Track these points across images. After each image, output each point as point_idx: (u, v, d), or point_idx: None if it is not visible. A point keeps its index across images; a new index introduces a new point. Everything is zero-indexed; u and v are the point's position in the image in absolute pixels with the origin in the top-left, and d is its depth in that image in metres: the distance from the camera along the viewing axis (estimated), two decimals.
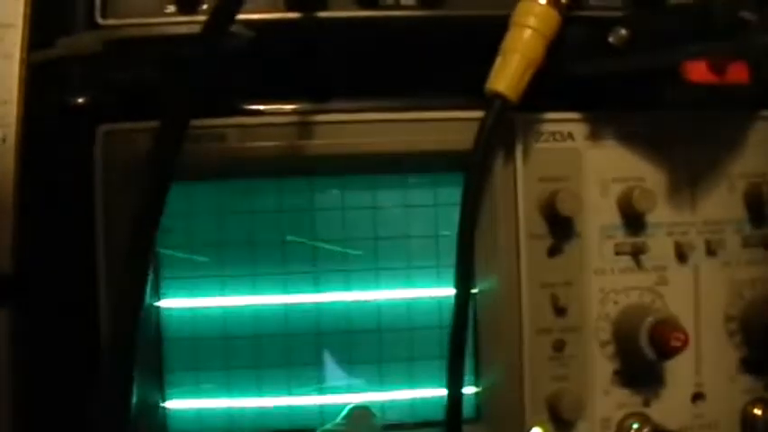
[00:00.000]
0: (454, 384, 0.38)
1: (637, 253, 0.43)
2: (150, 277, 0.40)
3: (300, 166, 0.40)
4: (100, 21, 0.39)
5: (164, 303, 0.40)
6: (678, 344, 0.39)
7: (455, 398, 0.38)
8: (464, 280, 0.38)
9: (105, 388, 0.34)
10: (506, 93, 0.37)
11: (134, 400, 0.37)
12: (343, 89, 0.41)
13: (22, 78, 0.41)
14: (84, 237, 0.40)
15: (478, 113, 0.38)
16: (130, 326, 0.33)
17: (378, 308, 0.41)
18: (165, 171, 0.33)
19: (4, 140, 0.41)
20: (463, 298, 0.38)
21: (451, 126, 0.40)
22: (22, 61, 0.41)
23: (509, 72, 0.37)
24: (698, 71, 0.39)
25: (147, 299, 0.40)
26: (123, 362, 0.33)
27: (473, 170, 0.38)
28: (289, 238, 0.41)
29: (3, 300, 0.41)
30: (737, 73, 0.40)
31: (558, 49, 0.38)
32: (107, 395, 0.33)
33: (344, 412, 0.39)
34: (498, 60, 0.38)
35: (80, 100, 0.42)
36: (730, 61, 0.40)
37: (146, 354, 0.40)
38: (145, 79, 0.40)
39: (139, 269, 0.33)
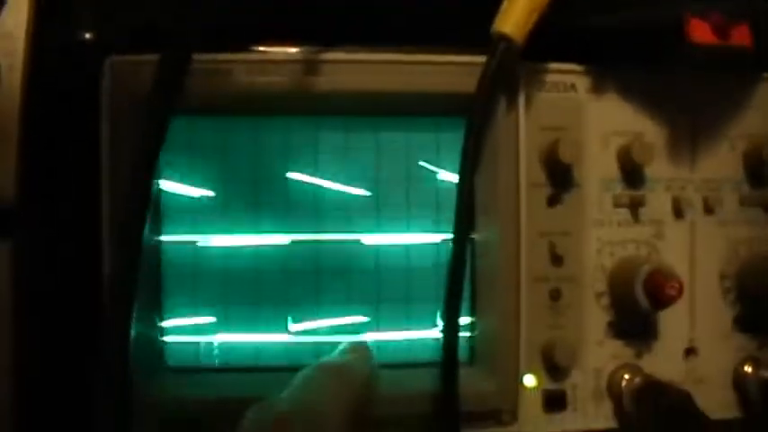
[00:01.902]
0: (450, 327, 0.38)
1: (635, 206, 0.43)
2: (152, 211, 0.40)
3: (305, 103, 0.40)
4: None
5: (164, 238, 0.40)
6: (673, 292, 0.39)
7: (451, 341, 0.38)
8: (463, 224, 0.38)
9: (106, 320, 0.34)
10: (512, 35, 0.38)
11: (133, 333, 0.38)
12: (350, 32, 0.41)
13: (30, 10, 0.42)
14: (89, 169, 0.40)
15: (483, 58, 0.38)
16: (132, 256, 0.33)
17: (376, 249, 0.41)
18: (166, 103, 0.33)
19: (10, 70, 0.41)
20: (461, 242, 0.38)
21: (456, 69, 0.40)
22: None
23: (515, 14, 0.38)
24: (701, 32, 0.40)
25: (149, 233, 0.40)
26: (125, 293, 0.33)
27: (476, 110, 0.38)
28: (291, 176, 0.41)
29: (5, 232, 0.41)
30: (740, 36, 0.41)
31: None
32: (108, 327, 0.33)
33: (341, 347, 0.39)
34: (505, 3, 0.38)
35: (87, 35, 0.42)
36: (733, 23, 0.41)
37: (145, 288, 0.40)
38: (151, 12, 0.40)
39: (141, 200, 0.33)
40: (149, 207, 0.33)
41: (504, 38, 0.38)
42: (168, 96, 0.33)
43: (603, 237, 0.43)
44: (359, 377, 0.36)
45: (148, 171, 0.32)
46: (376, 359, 0.39)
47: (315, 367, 0.35)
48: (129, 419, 0.33)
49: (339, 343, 0.40)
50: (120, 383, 0.33)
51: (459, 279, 0.38)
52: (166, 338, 0.41)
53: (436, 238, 0.42)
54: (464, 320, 0.42)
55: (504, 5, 0.38)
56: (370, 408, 0.36)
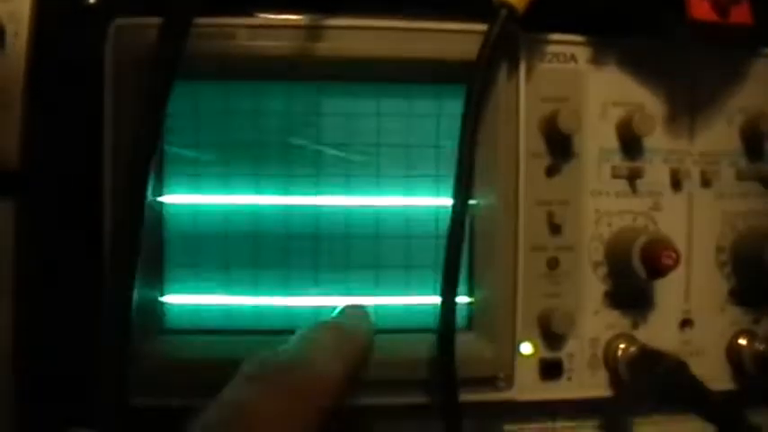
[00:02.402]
0: (448, 294, 0.38)
1: (633, 177, 0.43)
2: (154, 174, 0.41)
3: (307, 69, 0.40)
4: None
5: (166, 199, 0.41)
6: (669, 261, 0.40)
7: (449, 307, 0.38)
8: (463, 192, 0.39)
9: (109, 281, 0.34)
10: (513, 2, 0.38)
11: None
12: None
13: None
14: (92, 133, 0.40)
15: (484, 26, 0.39)
16: (135, 216, 0.33)
17: (376, 214, 0.42)
18: (170, 66, 0.33)
19: (16, 35, 0.42)
20: (461, 209, 0.39)
21: (457, 36, 0.40)
22: None
23: None
24: (701, 9, 0.40)
25: (151, 195, 0.40)
26: (127, 254, 0.33)
27: (476, 77, 0.38)
28: (292, 140, 0.41)
29: (9, 193, 0.41)
30: (740, 14, 0.41)
31: None
32: (111, 288, 0.34)
33: (339, 309, 0.39)
34: None
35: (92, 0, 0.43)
36: (733, 1, 0.41)
37: (146, 249, 0.40)
38: None
39: (144, 163, 0.33)
40: (151, 173, 0.33)
41: (505, 5, 0.38)
42: (171, 60, 0.33)
43: (601, 207, 0.43)
44: (357, 337, 0.36)
45: (152, 138, 0.33)
46: (374, 322, 0.39)
47: (314, 325, 0.36)
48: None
49: (338, 306, 0.40)
50: (122, 343, 0.33)
51: (458, 246, 0.38)
52: (166, 300, 0.41)
53: (436, 201, 0.42)
54: (462, 287, 0.42)
55: None
56: (366, 369, 0.37)
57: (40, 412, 0.41)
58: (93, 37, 0.41)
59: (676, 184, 0.44)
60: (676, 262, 0.40)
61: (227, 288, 0.41)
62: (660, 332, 0.44)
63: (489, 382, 0.41)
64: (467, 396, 0.40)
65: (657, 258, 0.40)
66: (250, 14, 0.41)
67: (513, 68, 0.42)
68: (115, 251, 0.34)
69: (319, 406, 0.30)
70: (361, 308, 0.40)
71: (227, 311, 0.41)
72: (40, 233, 0.42)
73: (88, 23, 0.42)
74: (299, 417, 0.29)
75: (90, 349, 0.38)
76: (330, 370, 0.32)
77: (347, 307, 0.39)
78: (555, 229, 0.43)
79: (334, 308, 0.40)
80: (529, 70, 0.42)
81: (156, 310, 0.41)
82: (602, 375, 0.43)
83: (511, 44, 0.41)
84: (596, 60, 0.43)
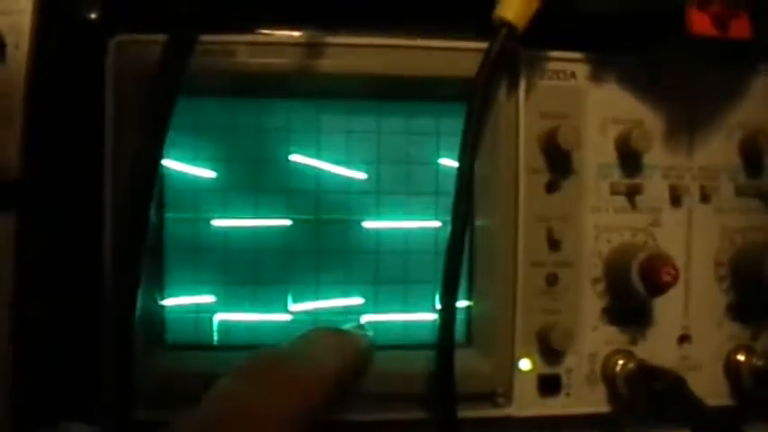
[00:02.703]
0: (447, 310, 0.38)
1: (632, 193, 0.43)
2: (155, 190, 0.41)
3: (308, 86, 0.41)
4: None
5: (166, 215, 0.41)
6: (668, 278, 0.40)
7: (448, 323, 0.38)
8: (462, 208, 0.39)
9: (110, 293, 0.34)
10: (513, 20, 0.38)
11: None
12: (353, 16, 0.42)
13: None
14: (93, 147, 0.40)
15: (486, 44, 0.39)
16: (138, 231, 0.33)
17: (376, 231, 0.42)
18: (173, 84, 0.33)
19: (17, 47, 0.42)
20: (460, 226, 0.39)
21: (458, 55, 0.40)
22: None
23: (517, 1, 0.38)
24: (701, 23, 0.40)
25: (152, 211, 0.40)
26: (130, 265, 0.33)
27: (476, 95, 0.38)
28: (293, 158, 0.41)
29: (10, 205, 0.42)
30: (740, 28, 0.41)
31: None
32: (112, 300, 0.34)
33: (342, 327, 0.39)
34: None
35: (93, 15, 0.43)
36: (733, 15, 0.41)
37: (147, 265, 0.40)
38: None
39: (147, 182, 0.33)
40: (154, 191, 0.33)
41: (505, 24, 0.38)
42: (174, 78, 0.33)
43: (601, 223, 0.43)
44: (358, 344, 0.37)
45: (155, 155, 0.33)
46: (374, 340, 0.39)
47: (312, 329, 0.36)
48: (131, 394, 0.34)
49: (337, 322, 0.40)
50: (123, 358, 0.33)
51: (457, 262, 0.38)
52: (166, 315, 0.41)
53: (435, 222, 0.42)
54: (461, 303, 0.42)
55: None
56: (363, 381, 0.37)
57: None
58: (93, 51, 0.41)
59: (675, 199, 0.44)
60: (675, 279, 0.40)
61: (227, 305, 0.41)
62: (658, 347, 0.44)
63: (488, 398, 0.41)
64: (465, 412, 0.40)
65: (656, 275, 0.40)
66: (250, 32, 0.41)
67: (513, 85, 0.42)
68: (117, 267, 0.34)
69: (308, 402, 0.30)
70: (362, 326, 0.40)
71: (227, 328, 0.41)
72: (40, 245, 0.42)
73: (89, 37, 0.42)
74: (287, 408, 0.29)
75: (91, 362, 0.38)
76: (324, 366, 0.32)
77: (351, 326, 0.40)
78: (554, 244, 0.43)
79: (334, 323, 0.40)
80: (529, 87, 0.42)
81: (156, 325, 0.41)
82: (601, 391, 0.43)
83: (511, 61, 0.41)
84: (596, 77, 0.43)
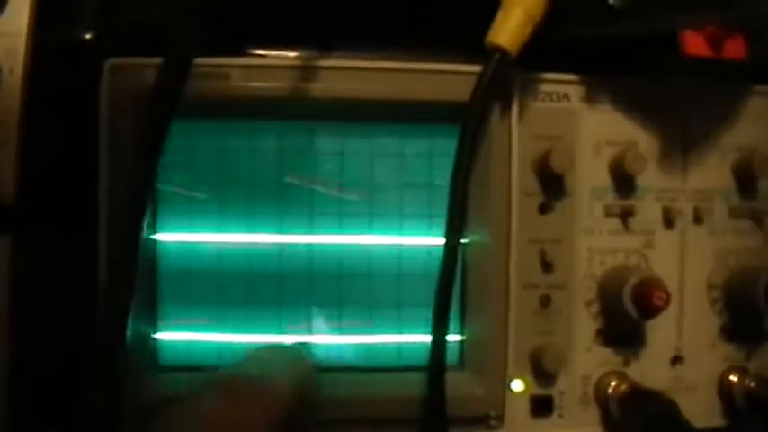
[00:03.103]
0: (439, 332, 0.39)
1: (625, 215, 0.44)
2: (149, 211, 0.41)
3: (301, 108, 0.41)
4: None
5: (160, 237, 0.41)
6: (660, 302, 0.40)
7: (439, 345, 0.39)
8: (455, 230, 0.39)
9: (104, 315, 0.34)
10: (506, 46, 0.38)
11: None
12: (346, 39, 0.42)
13: (32, 11, 0.42)
14: (88, 170, 0.40)
15: (478, 68, 0.39)
16: (131, 254, 0.33)
17: (369, 253, 0.42)
18: (168, 107, 0.33)
19: (11, 72, 0.42)
20: (453, 248, 0.39)
21: (451, 78, 0.40)
22: None
23: (509, 26, 0.38)
24: (695, 44, 0.40)
25: (145, 232, 0.41)
26: (122, 289, 0.33)
27: (470, 120, 0.39)
28: (286, 179, 0.41)
29: (4, 229, 0.42)
30: (734, 49, 0.41)
31: (559, 7, 0.39)
32: (106, 322, 0.34)
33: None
34: (499, 14, 0.39)
35: (88, 36, 0.43)
36: (728, 36, 0.41)
37: (140, 286, 0.40)
38: (153, 15, 0.41)
39: (139, 204, 0.33)
40: (147, 213, 0.33)
41: (497, 49, 0.38)
42: (169, 102, 0.33)
43: (594, 245, 0.43)
44: (302, 360, 0.38)
45: (148, 179, 0.33)
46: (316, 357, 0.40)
47: (258, 348, 0.37)
48: (118, 418, 0.34)
49: (330, 344, 0.41)
50: (112, 381, 0.33)
51: (450, 284, 0.39)
52: (160, 337, 0.41)
53: (429, 245, 0.42)
54: (454, 325, 0.42)
55: (499, 17, 0.38)
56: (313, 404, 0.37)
57: None
58: (88, 73, 0.41)
59: (669, 222, 0.44)
60: (667, 303, 0.40)
61: (220, 326, 0.41)
62: (652, 368, 0.44)
63: (481, 420, 0.42)
64: None
65: (648, 299, 0.40)
66: (244, 54, 0.41)
67: (506, 107, 0.42)
68: (110, 291, 0.34)
69: (273, 416, 0.31)
70: (305, 344, 0.41)
71: (220, 349, 0.41)
72: (35, 269, 0.42)
73: (84, 59, 0.42)
74: (256, 424, 0.30)
75: (83, 383, 0.38)
76: (279, 384, 0.33)
77: (290, 344, 0.41)
78: (547, 266, 0.43)
79: (327, 346, 0.41)
80: (522, 109, 0.42)
81: (150, 347, 0.41)
82: (594, 412, 0.43)
83: (504, 84, 0.41)
84: (589, 99, 0.43)
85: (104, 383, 0.34)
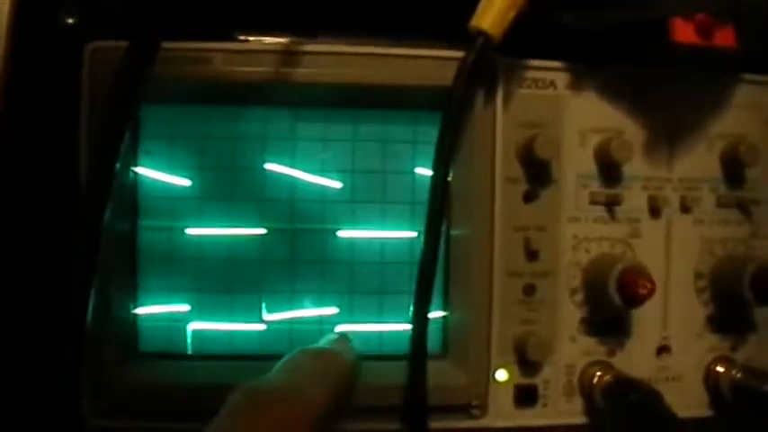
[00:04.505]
0: (420, 319, 0.38)
1: (611, 204, 0.43)
2: (130, 197, 0.41)
3: (283, 94, 0.40)
4: None
5: (140, 223, 0.41)
6: (645, 291, 0.39)
7: (420, 333, 0.38)
8: (436, 217, 0.38)
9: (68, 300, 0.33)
10: (489, 30, 0.38)
11: (107, 316, 0.38)
12: (329, 24, 0.41)
13: None
14: (69, 154, 0.40)
15: (462, 53, 0.38)
16: (91, 242, 0.32)
17: (351, 240, 0.42)
18: (132, 92, 0.33)
19: None
20: (434, 235, 0.38)
21: (435, 63, 0.40)
22: None
23: (493, 11, 0.38)
24: (684, 32, 0.40)
25: (125, 220, 0.40)
26: (84, 275, 0.32)
27: (452, 105, 0.38)
28: (268, 166, 0.41)
29: None
30: (724, 37, 0.41)
31: None
32: (68, 307, 0.33)
33: (325, 338, 0.39)
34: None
35: (70, 20, 0.43)
36: (718, 24, 0.41)
37: (120, 273, 0.40)
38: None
39: (100, 192, 0.32)
40: (110, 201, 0.32)
41: (481, 33, 0.38)
42: (133, 86, 0.32)
43: (579, 233, 0.43)
44: (343, 363, 0.36)
45: (108, 168, 0.32)
46: (358, 350, 0.39)
47: (298, 351, 0.35)
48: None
49: (312, 332, 0.40)
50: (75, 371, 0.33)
51: (431, 271, 0.38)
52: (140, 324, 0.41)
53: (411, 232, 0.42)
54: (437, 314, 0.42)
55: (483, 2, 0.38)
56: (352, 396, 0.36)
57: None
58: (70, 57, 0.40)
59: (655, 210, 0.44)
60: (651, 292, 0.40)
61: (201, 314, 0.41)
62: (637, 358, 0.44)
63: (463, 409, 0.41)
64: (440, 423, 0.40)
65: (633, 288, 0.40)
66: (226, 39, 0.40)
67: (491, 94, 0.42)
68: (73, 272, 0.33)
69: (302, 428, 0.29)
70: (345, 336, 0.40)
71: (201, 337, 0.41)
72: (12, 258, 0.41)
73: (66, 43, 0.42)
74: None
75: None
76: (316, 396, 0.31)
77: (332, 335, 0.40)
78: (532, 255, 0.42)
79: (309, 334, 0.40)
80: (507, 96, 0.42)
81: (130, 334, 0.41)
82: (578, 402, 0.43)
83: (488, 70, 0.41)
84: (576, 86, 0.43)
85: (67, 373, 0.33)
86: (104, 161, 0.32)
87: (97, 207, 0.32)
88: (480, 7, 0.38)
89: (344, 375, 0.35)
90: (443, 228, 0.40)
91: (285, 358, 0.34)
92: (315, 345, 0.38)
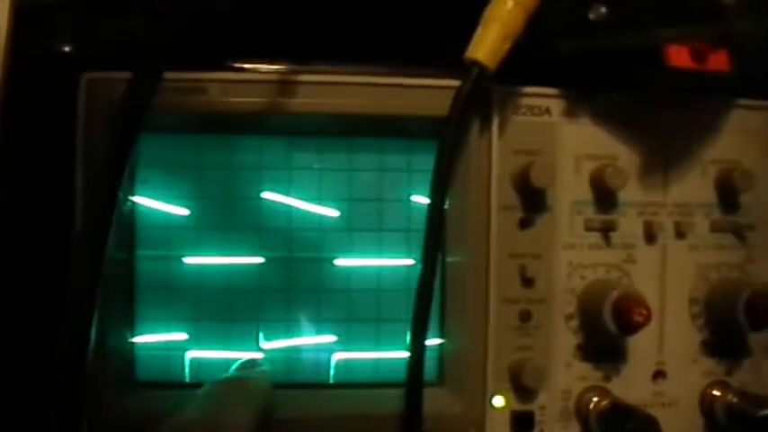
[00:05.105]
0: (417, 347, 0.38)
1: (606, 230, 0.43)
2: (127, 227, 0.41)
3: (279, 124, 0.41)
4: None
5: (138, 252, 0.41)
6: (640, 319, 0.40)
7: (417, 361, 0.38)
8: (433, 245, 0.38)
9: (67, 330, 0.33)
10: (484, 61, 0.38)
11: (104, 345, 0.38)
12: (324, 53, 0.42)
13: (9, 23, 0.42)
14: (64, 184, 0.40)
15: (457, 82, 0.39)
16: (92, 270, 0.32)
17: (348, 269, 0.42)
18: (134, 123, 0.33)
19: None
20: (431, 263, 0.38)
21: (430, 93, 0.40)
22: (10, 6, 0.41)
23: (488, 41, 0.38)
24: (679, 56, 0.40)
25: (122, 248, 0.40)
26: (85, 304, 0.32)
27: (448, 135, 0.38)
28: (264, 195, 0.41)
29: None
30: (718, 61, 0.41)
31: (538, 22, 0.39)
32: (67, 335, 0.33)
33: (235, 365, 0.40)
34: (479, 29, 0.38)
35: (66, 48, 0.43)
36: (712, 49, 0.41)
37: (117, 301, 0.40)
38: (130, 29, 0.40)
39: (102, 220, 0.32)
40: (112, 227, 0.32)
41: (475, 64, 0.38)
42: (137, 115, 0.33)
43: (574, 260, 0.43)
44: (258, 389, 0.36)
45: (112, 196, 0.32)
46: (270, 374, 0.39)
47: (213, 382, 0.36)
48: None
49: (309, 360, 0.40)
50: (73, 400, 0.33)
51: (428, 300, 0.38)
52: (137, 352, 0.41)
53: (407, 260, 0.42)
54: (433, 341, 0.42)
55: (478, 32, 0.38)
56: (270, 422, 0.37)
57: None
58: (65, 86, 0.41)
59: (650, 236, 0.44)
60: (647, 319, 0.40)
61: (199, 342, 0.41)
62: (633, 384, 0.44)
63: None
64: None
65: (629, 315, 0.40)
66: (222, 69, 0.40)
67: (486, 122, 0.42)
68: (72, 303, 0.33)
69: None
70: (254, 361, 0.40)
71: (199, 365, 0.41)
72: (9, 290, 0.41)
73: (61, 72, 0.42)
74: None
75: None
76: (241, 423, 0.32)
77: (242, 361, 0.40)
78: (527, 281, 0.43)
79: (306, 362, 0.40)
80: (502, 123, 0.42)
81: (127, 363, 0.41)
82: (574, 428, 0.43)
83: (483, 99, 0.41)
84: (570, 113, 0.43)
85: (63, 402, 0.33)
86: (106, 195, 0.32)
87: (99, 239, 0.32)
88: (476, 38, 0.38)
89: (265, 401, 0.36)
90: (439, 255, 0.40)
91: (200, 390, 0.35)
92: (227, 372, 0.39)
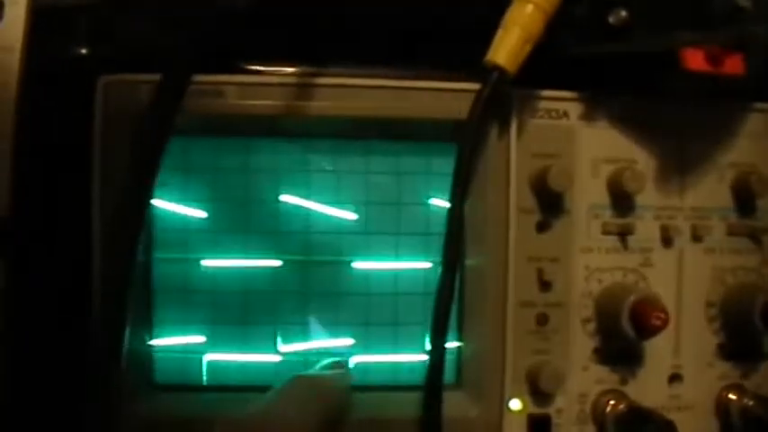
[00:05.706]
0: (436, 351, 0.38)
1: (623, 234, 0.43)
2: (144, 230, 0.41)
3: (296, 126, 0.40)
4: None
5: (156, 256, 0.41)
6: (659, 323, 0.40)
7: (436, 365, 0.38)
8: (453, 249, 0.38)
9: (99, 332, 0.34)
10: (504, 65, 0.38)
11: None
12: (342, 56, 0.41)
13: (26, 27, 0.42)
14: (81, 186, 0.40)
15: (477, 86, 0.38)
16: (125, 273, 0.33)
17: (366, 272, 0.42)
18: (165, 126, 0.33)
19: (5, 87, 0.42)
20: (450, 267, 0.38)
21: (449, 96, 0.40)
22: (27, 8, 0.41)
23: (508, 45, 0.38)
24: (695, 60, 0.40)
25: (140, 252, 0.40)
26: (117, 307, 0.33)
27: (467, 139, 0.38)
28: (282, 198, 0.41)
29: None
30: (733, 64, 0.41)
31: (558, 25, 0.39)
32: (101, 338, 0.33)
33: (321, 363, 0.40)
34: (499, 33, 0.38)
35: (83, 51, 0.43)
36: (727, 52, 0.41)
37: (135, 305, 0.40)
38: (146, 32, 0.40)
39: (134, 223, 0.33)
40: (143, 232, 0.33)
41: (496, 68, 0.38)
42: (166, 119, 0.33)
43: (592, 263, 0.43)
44: (333, 391, 0.37)
45: (144, 195, 0.32)
46: (353, 378, 0.40)
47: (291, 379, 0.36)
48: None
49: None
50: (107, 399, 0.33)
51: (447, 304, 0.38)
52: (155, 355, 0.41)
53: (425, 263, 0.42)
54: (451, 344, 0.42)
55: (498, 36, 0.38)
56: (342, 425, 0.37)
57: None
58: (82, 89, 0.40)
59: (667, 240, 0.44)
60: (665, 323, 0.40)
61: (216, 345, 0.41)
62: (649, 387, 0.44)
63: None
64: None
65: (646, 319, 0.40)
66: (239, 72, 0.40)
67: (505, 125, 0.42)
68: (103, 309, 0.34)
69: None
70: (341, 363, 0.40)
71: (216, 368, 0.41)
72: (27, 288, 0.41)
73: (78, 76, 0.42)
74: None
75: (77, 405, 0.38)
76: (301, 422, 0.32)
77: (329, 362, 0.40)
78: (545, 285, 0.42)
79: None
80: (520, 126, 0.42)
81: (145, 366, 0.41)
82: (591, 431, 0.43)
83: (502, 102, 0.41)
84: (588, 116, 0.43)
85: (98, 401, 0.33)
86: (138, 198, 0.32)
87: (130, 242, 0.32)
88: (496, 41, 0.38)
89: (332, 403, 0.36)
90: None
91: (277, 386, 0.36)
92: (311, 370, 0.39)
